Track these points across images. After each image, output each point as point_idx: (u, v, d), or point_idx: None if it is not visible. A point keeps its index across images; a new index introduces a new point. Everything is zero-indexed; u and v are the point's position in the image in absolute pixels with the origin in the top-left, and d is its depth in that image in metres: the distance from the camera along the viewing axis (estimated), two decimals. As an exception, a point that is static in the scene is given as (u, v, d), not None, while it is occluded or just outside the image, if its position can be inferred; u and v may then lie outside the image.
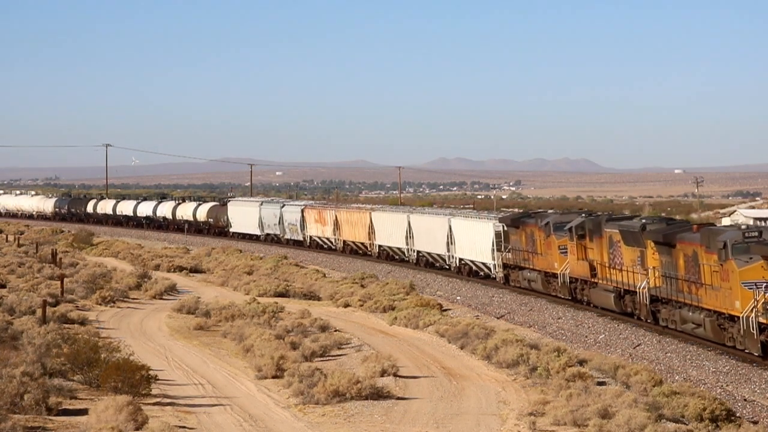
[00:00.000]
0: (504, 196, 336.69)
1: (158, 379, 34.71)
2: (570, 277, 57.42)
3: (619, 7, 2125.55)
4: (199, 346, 45.16)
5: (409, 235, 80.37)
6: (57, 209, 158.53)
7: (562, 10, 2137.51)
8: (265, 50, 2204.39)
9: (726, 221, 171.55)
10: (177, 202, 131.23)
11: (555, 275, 58.98)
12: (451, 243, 73.50)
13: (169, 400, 32.76)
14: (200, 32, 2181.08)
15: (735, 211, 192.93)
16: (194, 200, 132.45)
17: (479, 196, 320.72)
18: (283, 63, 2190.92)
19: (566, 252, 57.47)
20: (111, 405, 28.15)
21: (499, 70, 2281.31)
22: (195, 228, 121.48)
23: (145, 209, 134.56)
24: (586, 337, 49.96)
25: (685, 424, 31.45)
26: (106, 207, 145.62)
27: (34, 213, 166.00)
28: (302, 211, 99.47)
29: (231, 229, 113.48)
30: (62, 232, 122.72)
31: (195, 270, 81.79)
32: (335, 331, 48.35)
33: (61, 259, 79.02)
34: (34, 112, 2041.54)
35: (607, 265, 52.88)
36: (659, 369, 41.39)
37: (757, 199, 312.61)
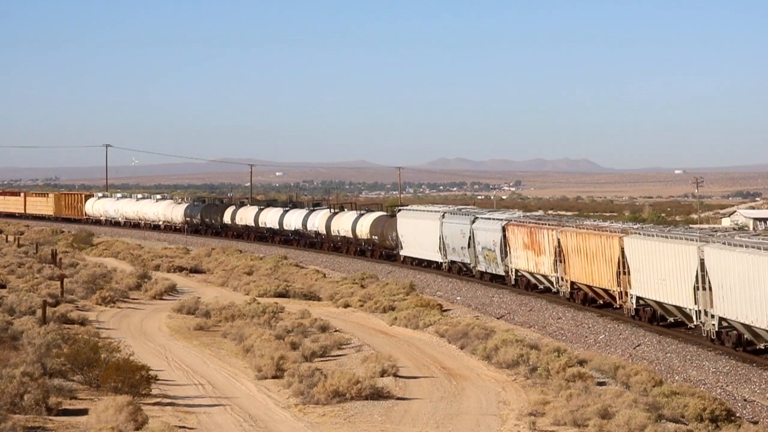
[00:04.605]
0: (504, 197, 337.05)
1: (158, 380, 34.74)
2: None
3: (620, 7, 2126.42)
4: (199, 346, 45.17)
5: (701, 284, 44.98)
6: (188, 218, 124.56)
7: (562, 10, 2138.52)
8: (266, 50, 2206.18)
9: (726, 222, 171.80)
10: (332, 211, 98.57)
11: None
12: None
13: (169, 400, 32.78)
14: (200, 32, 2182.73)
15: (735, 211, 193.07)
16: (354, 209, 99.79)
17: (479, 197, 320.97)
18: (283, 63, 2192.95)
19: None
20: (111, 405, 28.18)
21: (500, 71, 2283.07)
22: (355, 247, 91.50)
23: (294, 221, 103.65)
24: (586, 337, 49.96)
25: (685, 424, 31.47)
26: (246, 216, 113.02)
27: (160, 223, 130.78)
28: (504, 228, 65.97)
29: (402, 252, 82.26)
30: (62, 232, 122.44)
31: (195, 270, 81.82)
32: (335, 331, 48.37)
33: (61, 259, 79.01)
34: (34, 112, 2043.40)
35: None
36: (659, 369, 41.41)
37: (757, 199, 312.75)
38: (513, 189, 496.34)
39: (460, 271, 72.62)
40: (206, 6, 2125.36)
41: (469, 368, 40.20)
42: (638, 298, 50.83)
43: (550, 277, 60.19)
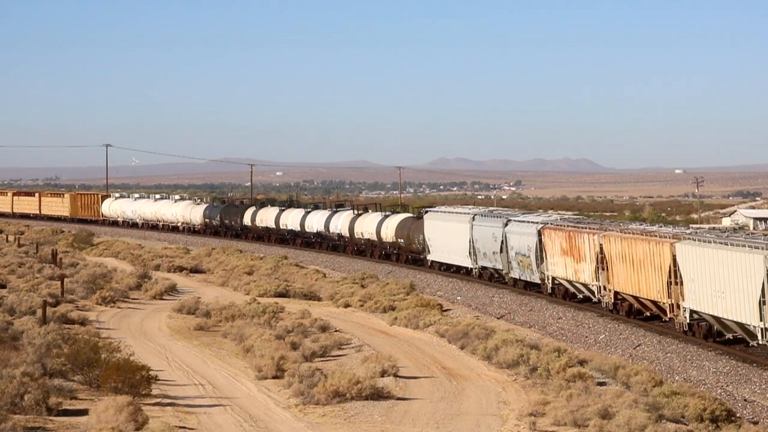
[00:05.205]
0: (504, 197, 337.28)
1: (158, 380, 34.75)
2: None
3: (620, 8, 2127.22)
4: (200, 346, 45.18)
5: None
6: (207, 219, 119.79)
7: (562, 10, 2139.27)
8: (266, 50, 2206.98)
9: (726, 221, 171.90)
10: (356, 213, 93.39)
11: None
12: None
13: (169, 401, 32.79)
14: (201, 32, 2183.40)
15: (735, 211, 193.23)
16: (380, 210, 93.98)
17: (479, 197, 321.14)
18: (283, 63, 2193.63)
19: None
20: (111, 405, 28.19)
21: (500, 70, 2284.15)
22: (380, 251, 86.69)
23: (316, 222, 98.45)
24: (587, 337, 49.95)
25: (685, 424, 31.48)
26: (267, 218, 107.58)
27: (179, 224, 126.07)
28: (539, 232, 60.88)
29: (429, 257, 77.54)
30: (62, 232, 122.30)
31: (195, 270, 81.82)
32: (335, 331, 48.38)
33: (61, 259, 79.02)
34: (34, 112, 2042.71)
35: None
36: (659, 369, 41.41)
37: (757, 199, 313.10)
38: (513, 189, 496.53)
39: (491, 277, 68.09)
40: (206, 6, 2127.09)
41: (469, 368, 40.20)
42: (692, 312, 45.59)
43: (591, 286, 55.07)
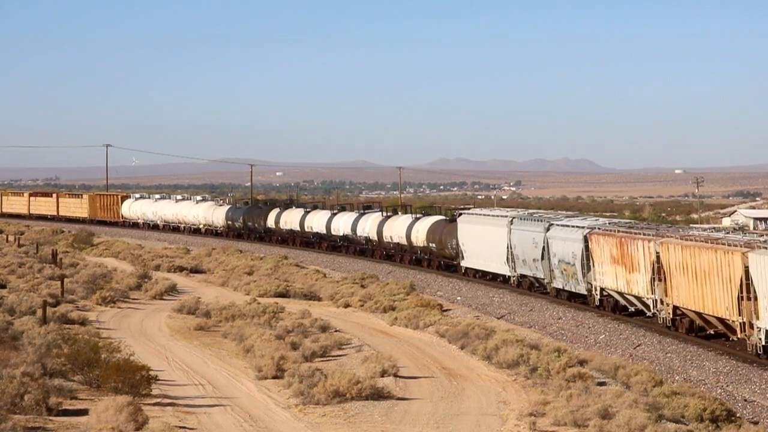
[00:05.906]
0: (504, 197, 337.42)
1: (158, 380, 34.78)
2: None
3: (620, 7, 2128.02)
4: (200, 346, 45.20)
5: None
6: (229, 221, 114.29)
7: (562, 10, 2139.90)
8: (266, 50, 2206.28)
9: (726, 221, 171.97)
10: (385, 215, 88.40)
11: None
12: None
13: (169, 401, 32.82)
14: (200, 32, 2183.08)
15: (735, 211, 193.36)
16: (409, 212, 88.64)
17: (479, 197, 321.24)
18: (283, 63, 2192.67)
19: None
20: (111, 405, 28.22)
21: (500, 70, 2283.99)
22: (410, 256, 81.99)
23: (342, 225, 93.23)
24: (587, 337, 49.96)
25: (685, 424, 31.49)
26: (291, 220, 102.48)
27: (200, 226, 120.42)
28: (586, 238, 55.64)
29: (463, 263, 72.49)
30: (62, 232, 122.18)
31: (195, 270, 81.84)
32: (335, 331, 48.40)
33: (61, 259, 79.03)
34: (34, 112, 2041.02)
35: None
36: (659, 369, 41.43)
37: (757, 199, 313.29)
38: (513, 189, 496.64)
39: (531, 286, 63.12)
40: (206, 6, 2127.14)
41: (469, 368, 40.23)
42: None
43: (645, 300, 49.93)
